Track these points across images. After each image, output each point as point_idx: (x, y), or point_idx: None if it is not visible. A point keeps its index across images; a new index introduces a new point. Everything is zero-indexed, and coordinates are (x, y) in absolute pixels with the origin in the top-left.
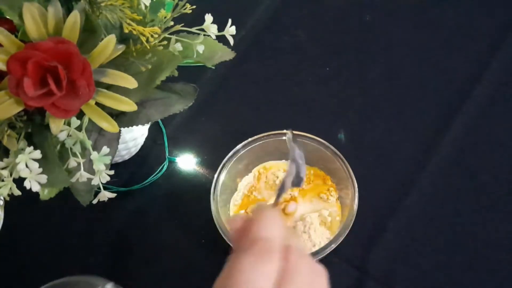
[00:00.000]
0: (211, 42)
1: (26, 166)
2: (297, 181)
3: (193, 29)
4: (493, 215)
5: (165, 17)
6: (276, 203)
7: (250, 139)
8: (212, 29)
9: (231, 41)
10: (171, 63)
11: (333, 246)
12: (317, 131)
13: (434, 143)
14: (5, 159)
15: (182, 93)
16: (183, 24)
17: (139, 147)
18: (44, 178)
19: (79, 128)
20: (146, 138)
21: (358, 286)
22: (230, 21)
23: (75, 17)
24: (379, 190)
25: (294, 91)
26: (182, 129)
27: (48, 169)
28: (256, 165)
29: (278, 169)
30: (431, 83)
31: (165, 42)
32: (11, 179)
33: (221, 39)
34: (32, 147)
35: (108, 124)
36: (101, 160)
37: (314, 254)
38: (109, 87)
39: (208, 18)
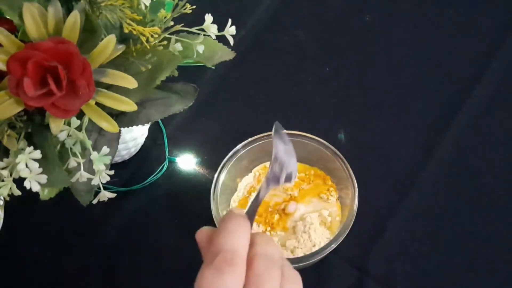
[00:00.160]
0: (211, 42)
1: (26, 166)
2: (286, 178)
3: (193, 29)
4: (493, 215)
5: (165, 17)
6: (252, 210)
7: (250, 139)
8: (212, 29)
9: (231, 41)
10: (171, 63)
11: (333, 246)
12: (317, 131)
13: (434, 143)
14: (5, 159)
15: (182, 93)
16: (183, 24)
17: (139, 147)
18: (44, 178)
19: (79, 128)
20: (146, 138)
21: (358, 286)
22: (230, 21)
23: (75, 17)
24: (379, 190)
25: (294, 91)
26: (182, 129)
27: (48, 169)
28: (256, 165)
29: None
30: (431, 83)
31: (165, 42)
32: (11, 179)
33: (221, 39)
34: (32, 147)
35: (108, 124)
36: (101, 160)
37: (314, 254)
38: (109, 87)
39: (208, 18)
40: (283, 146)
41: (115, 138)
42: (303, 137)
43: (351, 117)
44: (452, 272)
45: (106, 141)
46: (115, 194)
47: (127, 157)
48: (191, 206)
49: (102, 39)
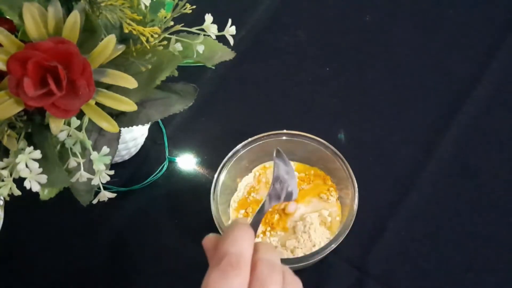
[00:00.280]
0: (211, 42)
1: (26, 166)
2: (286, 196)
3: (193, 29)
4: (493, 215)
5: (165, 17)
6: (255, 221)
7: (250, 139)
8: (212, 29)
9: (231, 41)
10: (171, 63)
11: (333, 246)
12: (317, 131)
13: (434, 143)
14: (5, 159)
15: (182, 93)
16: (183, 24)
17: (139, 147)
18: (44, 178)
19: (79, 128)
20: (146, 138)
21: (358, 286)
22: (230, 21)
23: (75, 17)
24: (379, 190)
25: (294, 91)
26: (182, 129)
27: (48, 169)
28: (256, 165)
29: None
30: (431, 83)
31: (165, 42)
32: (11, 179)
33: (221, 39)
34: (32, 147)
35: (108, 124)
36: (101, 160)
37: (314, 254)
38: (109, 87)
39: (208, 18)
40: (284, 167)
41: (115, 138)
42: (303, 137)
43: (351, 117)
44: (452, 272)
45: (106, 141)
46: (115, 194)
47: (127, 157)
48: (191, 206)
49: (102, 39)
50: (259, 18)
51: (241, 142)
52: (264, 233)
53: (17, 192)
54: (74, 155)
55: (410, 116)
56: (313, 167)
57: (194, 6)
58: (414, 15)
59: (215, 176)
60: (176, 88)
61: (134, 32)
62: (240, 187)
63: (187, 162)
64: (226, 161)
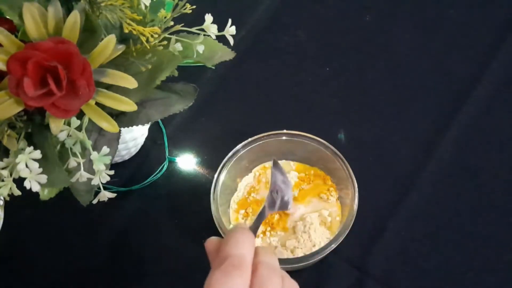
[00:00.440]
0: (211, 42)
1: (26, 166)
2: (281, 205)
3: (193, 29)
4: (493, 215)
5: (165, 17)
6: (255, 227)
7: (250, 139)
8: (212, 29)
9: (231, 41)
10: (171, 63)
11: (333, 246)
12: (317, 131)
13: (434, 143)
14: (5, 159)
15: (182, 93)
16: (183, 24)
17: (139, 147)
18: (44, 178)
19: (79, 128)
20: (146, 138)
21: (358, 286)
22: (230, 21)
23: (75, 17)
24: (379, 190)
25: (294, 91)
26: (182, 129)
27: (48, 169)
28: (256, 165)
29: None
30: (431, 83)
31: (165, 42)
32: (11, 179)
33: (221, 39)
34: (32, 147)
35: (108, 124)
36: (101, 160)
37: (314, 254)
38: (109, 87)
39: (208, 18)
40: (281, 176)
41: (115, 138)
42: (303, 137)
43: (351, 117)
44: (452, 272)
45: (106, 141)
46: (115, 194)
47: (127, 157)
48: (191, 206)
49: (102, 39)
50: (259, 18)
51: (241, 142)
52: (264, 233)
53: (17, 192)
54: (74, 155)
55: (410, 116)
56: (313, 167)
57: (194, 6)
58: (414, 15)
59: (215, 176)
60: (176, 88)
61: (134, 32)
62: (240, 187)
63: (187, 162)
64: (226, 161)
